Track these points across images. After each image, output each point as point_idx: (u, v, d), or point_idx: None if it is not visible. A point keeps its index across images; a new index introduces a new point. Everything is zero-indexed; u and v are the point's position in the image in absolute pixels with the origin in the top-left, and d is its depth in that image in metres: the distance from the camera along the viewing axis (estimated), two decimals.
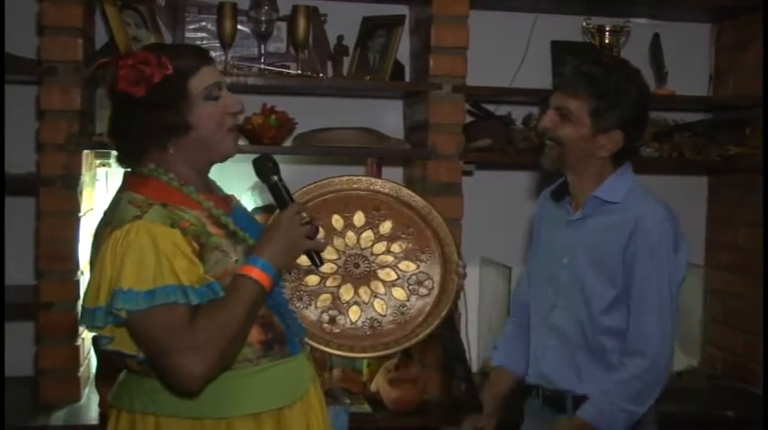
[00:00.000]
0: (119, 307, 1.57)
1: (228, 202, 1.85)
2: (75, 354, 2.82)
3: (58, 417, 2.70)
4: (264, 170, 1.84)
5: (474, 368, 3.34)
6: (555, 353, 2.26)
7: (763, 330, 3.14)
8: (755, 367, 3.22)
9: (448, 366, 2.89)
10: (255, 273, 1.68)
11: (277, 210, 1.90)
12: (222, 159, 1.80)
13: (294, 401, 1.78)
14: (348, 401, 2.86)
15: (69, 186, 2.78)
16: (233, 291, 1.67)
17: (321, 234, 1.96)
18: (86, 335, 2.93)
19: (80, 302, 2.73)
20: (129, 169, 1.78)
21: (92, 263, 1.69)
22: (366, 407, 2.88)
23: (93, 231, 1.75)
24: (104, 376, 2.74)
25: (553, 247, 2.31)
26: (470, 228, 3.05)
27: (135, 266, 1.58)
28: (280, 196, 1.83)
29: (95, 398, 2.81)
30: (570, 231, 2.26)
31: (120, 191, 1.75)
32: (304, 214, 1.80)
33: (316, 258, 1.85)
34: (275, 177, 1.83)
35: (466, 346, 3.24)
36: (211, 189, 1.85)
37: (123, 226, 1.61)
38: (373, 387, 2.94)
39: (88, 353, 2.98)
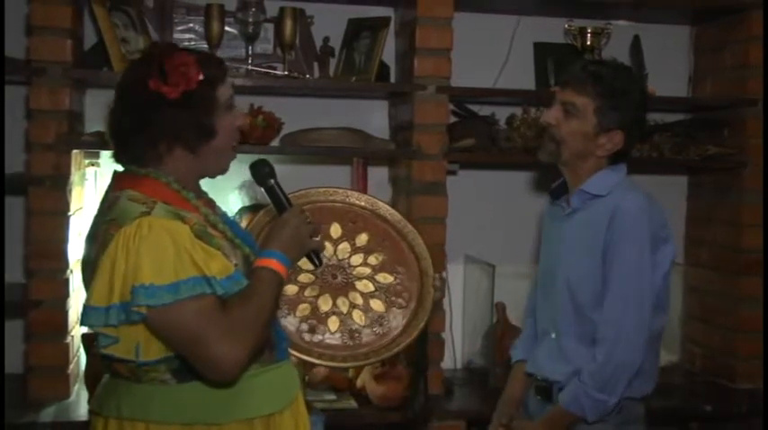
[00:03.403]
0: (140, 303, 1.54)
1: (216, 210, 1.85)
2: (64, 352, 2.84)
3: (48, 414, 2.71)
4: (261, 174, 1.89)
5: (458, 365, 3.39)
6: (550, 343, 2.31)
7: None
8: (732, 363, 3.28)
9: (413, 379, 2.77)
10: (274, 264, 1.72)
11: (261, 212, 1.96)
12: (215, 175, 1.82)
13: (284, 407, 1.78)
14: (322, 412, 2.82)
15: (58, 186, 2.79)
16: (257, 281, 1.69)
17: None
18: (76, 333, 2.95)
19: (69, 300, 2.82)
20: (123, 168, 1.75)
21: (92, 262, 1.64)
22: (352, 403, 2.90)
23: (88, 231, 1.71)
24: (94, 374, 2.77)
25: (550, 243, 2.37)
26: (454, 226, 3.08)
27: (154, 261, 1.55)
28: (277, 199, 1.89)
29: (85, 395, 2.82)
30: (562, 226, 2.31)
31: (112, 189, 1.72)
32: (307, 214, 1.87)
33: (315, 259, 1.91)
34: (272, 181, 1.89)
35: (450, 344, 3.32)
36: (202, 196, 1.84)
37: (132, 222, 1.58)
38: (359, 383, 2.96)
39: (77, 350, 3.00)
